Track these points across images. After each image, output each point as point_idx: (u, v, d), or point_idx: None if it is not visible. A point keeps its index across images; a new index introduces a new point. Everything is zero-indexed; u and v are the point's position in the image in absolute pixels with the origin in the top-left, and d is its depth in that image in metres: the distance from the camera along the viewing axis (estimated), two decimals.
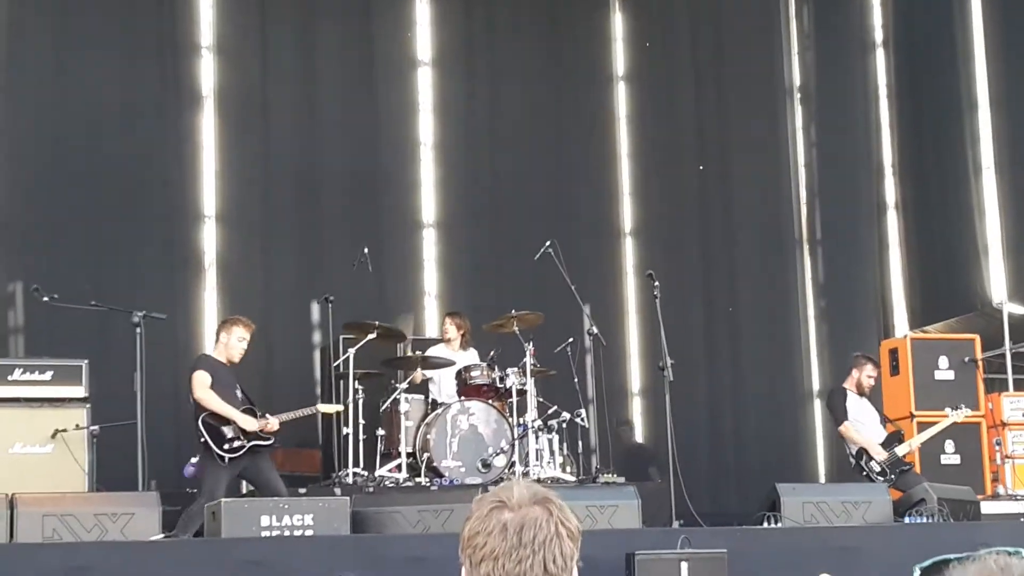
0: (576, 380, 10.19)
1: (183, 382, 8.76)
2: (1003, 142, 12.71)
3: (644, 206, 13.33)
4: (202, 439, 8.33)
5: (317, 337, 11.78)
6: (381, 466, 9.61)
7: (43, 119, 11.39)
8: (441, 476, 9.42)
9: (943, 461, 10.58)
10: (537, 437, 9.68)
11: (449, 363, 10.12)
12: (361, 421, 9.61)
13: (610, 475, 9.79)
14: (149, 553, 6.95)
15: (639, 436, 12.86)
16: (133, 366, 8.39)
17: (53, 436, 8.58)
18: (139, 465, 8.12)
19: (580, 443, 10.18)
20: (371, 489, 8.97)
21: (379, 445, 9.74)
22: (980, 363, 10.90)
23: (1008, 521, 9.22)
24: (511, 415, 9.69)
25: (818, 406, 13.30)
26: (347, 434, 9.53)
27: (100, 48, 11.64)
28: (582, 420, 9.98)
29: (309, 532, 7.21)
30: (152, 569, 6.78)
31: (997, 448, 10.60)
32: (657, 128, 13.49)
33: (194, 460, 8.68)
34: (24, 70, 11.41)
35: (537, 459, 9.61)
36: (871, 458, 9.66)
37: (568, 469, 9.89)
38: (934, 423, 10.17)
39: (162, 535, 7.36)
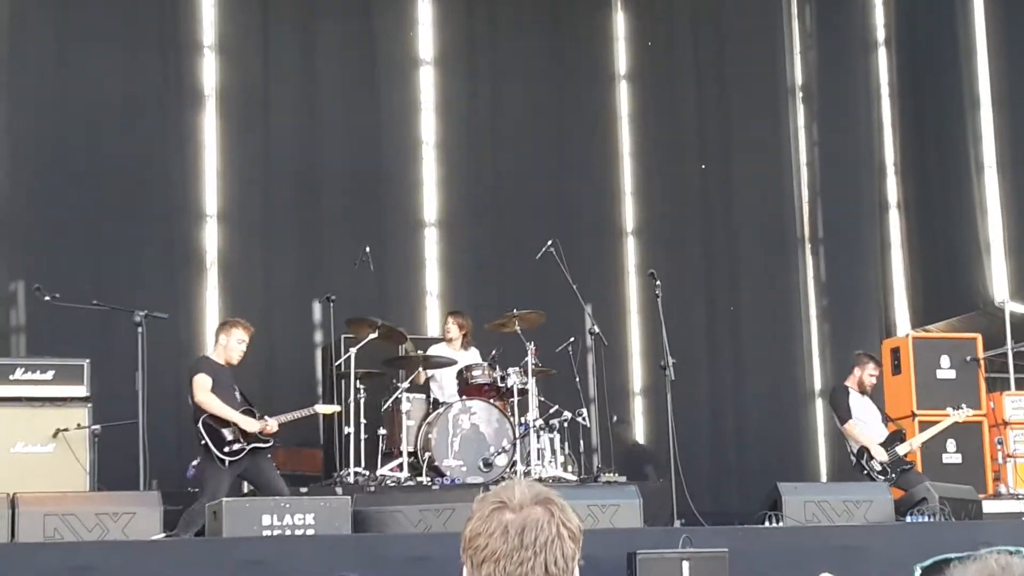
0: (577, 379, 10.19)
1: (184, 382, 8.76)
2: (1005, 141, 12.70)
3: (646, 205, 13.33)
4: (202, 441, 8.33)
5: (318, 336, 11.78)
6: (382, 465, 9.61)
7: (44, 116, 11.39)
8: (442, 475, 9.43)
9: (945, 460, 10.58)
10: (538, 436, 9.68)
11: (451, 362, 10.12)
12: (362, 420, 9.62)
13: (611, 474, 9.80)
14: (150, 553, 6.95)
15: (637, 434, 12.85)
16: (134, 365, 8.39)
17: (54, 435, 8.59)
18: (140, 465, 8.13)
19: (581, 442, 10.18)
20: (372, 488, 8.97)
21: (380, 444, 9.74)
22: (982, 362, 10.90)
23: (1010, 520, 9.22)
24: (512, 414, 9.69)
25: (820, 405, 13.29)
26: (348, 433, 9.54)
27: (102, 44, 11.63)
28: (583, 419, 9.99)
29: (310, 531, 7.20)
30: (153, 569, 6.78)
31: (999, 447, 10.59)
32: (659, 127, 13.48)
33: (195, 463, 8.68)
34: (26, 66, 11.40)
35: (538, 458, 9.61)
36: (872, 457, 9.65)
37: (569, 468, 9.89)
38: (936, 422, 10.17)
39: (163, 535, 7.36)
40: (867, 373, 10.07)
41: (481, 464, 9.51)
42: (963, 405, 10.20)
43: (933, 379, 10.79)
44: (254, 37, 12.32)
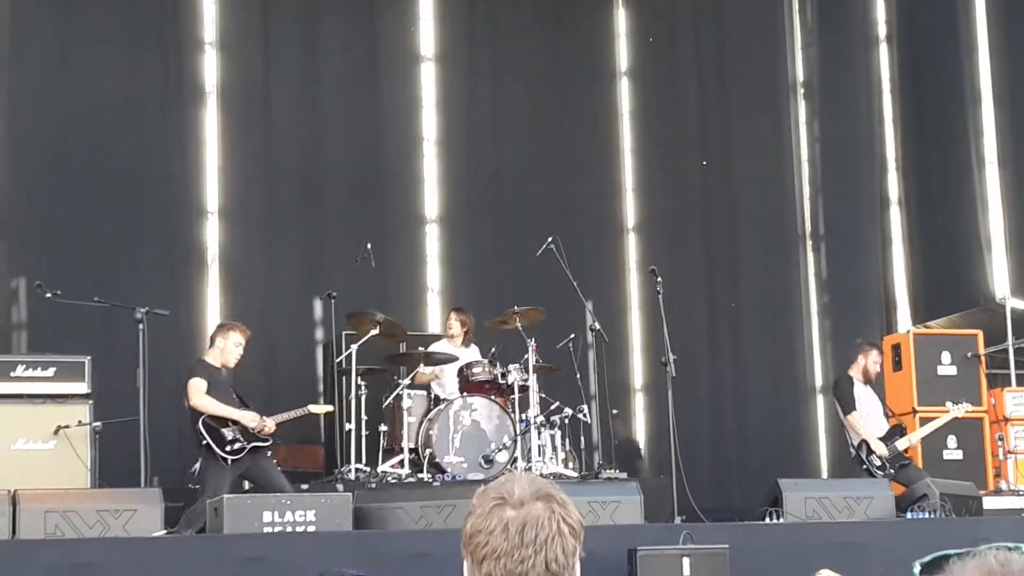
0: (578, 376, 10.19)
1: (185, 378, 8.76)
2: (1006, 137, 12.70)
3: (647, 202, 13.32)
4: (204, 441, 8.35)
5: (319, 333, 11.78)
6: (383, 462, 9.62)
7: (45, 114, 11.38)
8: (443, 472, 9.43)
9: (945, 456, 10.58)
10: (539, 433, 9.69)
11: (452, 359, 10.12)
12: (363, 417, 9.62)
13: (612, 471, 9.80)
14: (151, 549, 6.96)
15: (635, 430, 12.82)
16: (136, 362, 8.40)
17: (56, 432, 8.59)
18: (141, 461, 8.13)
19: (582, 439, 10.18)
20: (373, 485, 8.98)
21: (381, 441, 9.74)
22: (983, 358, 10.90)
23: (1010, 516, 9.23)
24: (513, 411, 9.70)
25: (821, 402, 13.29)
26: (349, 430, 9.55)
27: (103, 42, 11.63)
28: (584, 416, 10.00)
29: (311, 528, 7.21)
30: (154, 565, 6.79)
31: (1000, 443, 10.59)
32: (660, 124, 13.47)
33: (196, 467, 8.69)
34: (27, 64, 11.40)
35: (539, 455, 9.61)
36: (872, 451, 9.63)
37: (570, 465, 9.90)
38: (936, 419, 10.16)
39: (164, 531, 7.37)
40: (871, 361, 10.03)
41: (482, 461, 9.52)
42: (962, 400, 10.19)
43: (934, 375, 10.80)
44: (255, 34, 12.32)
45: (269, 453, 8.76)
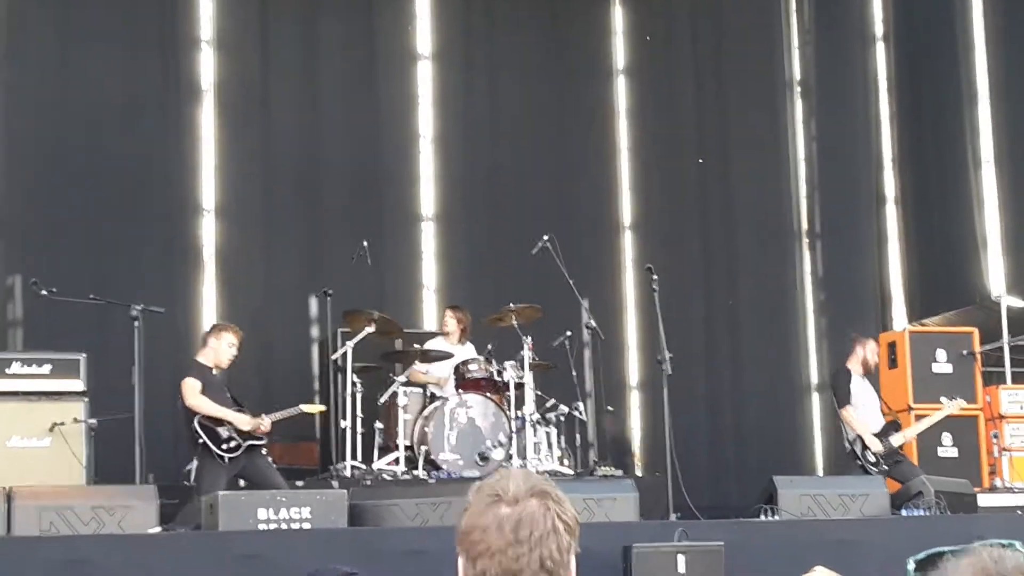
0: (574, 374, 10.18)
1: (181, 376, 8.76)
2: (1003, 135, 12.70)
3: (643, 200, 13.32)
4: (200, 441, 8.36)
5: (315, 331, 11.78)
6: (379, 459, 9.62)
7: (43, 113, 11.38)
8: (439, 469, 9.43)
9: (941, 454, 10.59)
10: (535, 430, 9.68)
11: (447, 356, 10.12)
12: (359, 414, 9.62)
13: (608, 468, 9.80)
14: (147, 546, 6.96)
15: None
16: (131, 359, 8.40)
17: (51, 429, 8.58)
18: (136, 458, 8.13)
19: (578, 436, 10.18)
20: (369, 482, 8.98)
21: (377, 438, 9.74)
22: (978, 356, 10.91)
23: (1005, 514, 9.24)
24: (509, 408, 9.70)
25: (817, 399, 13.30)
26: (345, 427, 9.55)
27: (102, 41, 11.63)
28: (580, 413, 10.00)
29: (307, 525, 7.21)
30: (150, 562, 6.79)
31: (995, 441, 10.60)
32: (657, 122, 13.47)
33: (191, 466, 8.69)
34: (26, 63, 11.40)
35: (535, 452, 9.61)
36: (867, 447, 9.60)
37: (566, 462, 9.90)
38: (930, 415, 10.16)
39: (159, 528, 7.37)
40: (869, 351, 10.00)
41: (478, 458, 9.52)
42: (956, 397, 10.17)
43: (929, 373, 10.80)
44: (252, 31, 12.31)
45: (264, 451, 8.76)
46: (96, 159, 11.38)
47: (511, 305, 10.04)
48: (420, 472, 9.38)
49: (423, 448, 9.51)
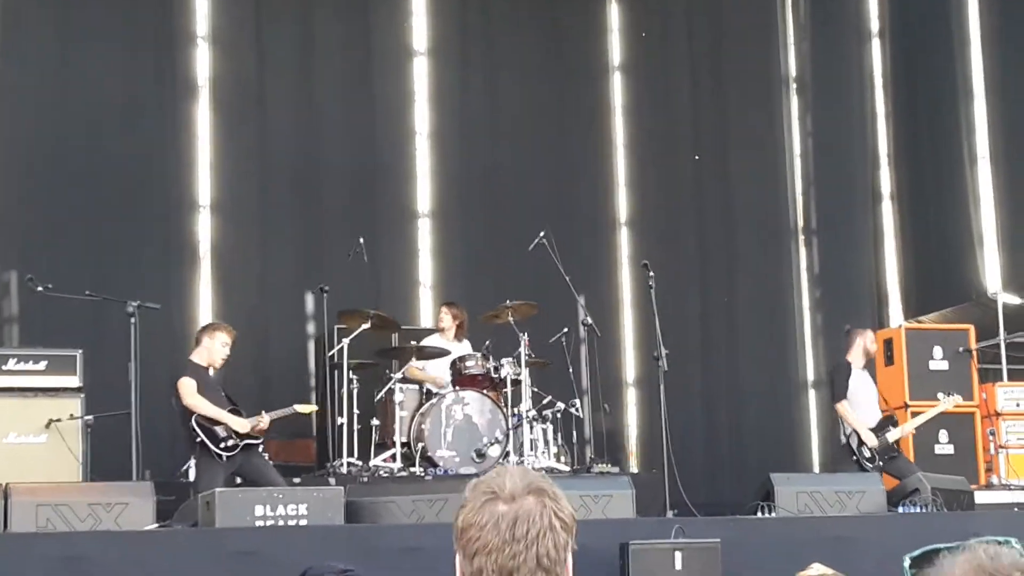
0: (571, 370, 10.19)
1: (177, 374, 8.75)
2: (998, 132, 12.71)
3: (640, 196, 13.32)
4: (198, 439, 8.36)
5: (311, 328, 11.78)
6: (375, 456, 9.62)
7: (41, 111, 11.38)
8: (435, 466, 9.43)
9: (937, 451, 10.60)
10: (532, 427, 9.69)
11: (444, 353, 10.12)
12: (355, 411, 9.62)
13: (604, 465, 9.81)
14: (143, 543, 6.96)
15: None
16: (127, 356, 8.39)
17: (47, 426, 8.58)
18: (133, 455, 8.13)
19: (574, 433, 10.19)
20: (365, 479, 8.99)
21: (373, 435, 9.75)
22: (974, 353, 10.91)
23: (1002, 511, 9.24)
24: (506, 405, 9.70)
25: (813, 396, 13.31)
26: (341, 424, 9.55)
27: (100, 39, 11.62)
28: (576, 410, 10.00)
29: (303, 522, 7.21)
30: (146, 559, 6.79)
31: (991, 438, 10.61)
32: (653, 118, 13.47)
33: (189, 465, 8.69)
34: (23, 61, 11.38)
35: (531, 449, 9.62)
36: (863, 442, 9.57)
37: (562, 459, 9.90)
38: (926, 411, 10.15)
39: (156, 525, 7.36)
40: (869, 340, 9.97)
41: (474, 455, 9.52)
42: (952, 392, 10.14)
43: (926, 370, 10.80)
44: (247, 27, 12.30)
45: (261, 448, 8.77)
46: (92, 156, 11.38)
47: (508, 302, 10.04)
48: (417, 469, 9.38)
49: (420, 445, 9.51)
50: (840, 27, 14.06)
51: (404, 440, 9.64)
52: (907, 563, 4.34)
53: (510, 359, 9.84)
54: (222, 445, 8.37)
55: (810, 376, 13.40)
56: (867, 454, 9.53)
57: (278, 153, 12.27)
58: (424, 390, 10.01)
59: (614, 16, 13.54)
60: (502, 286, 11.14)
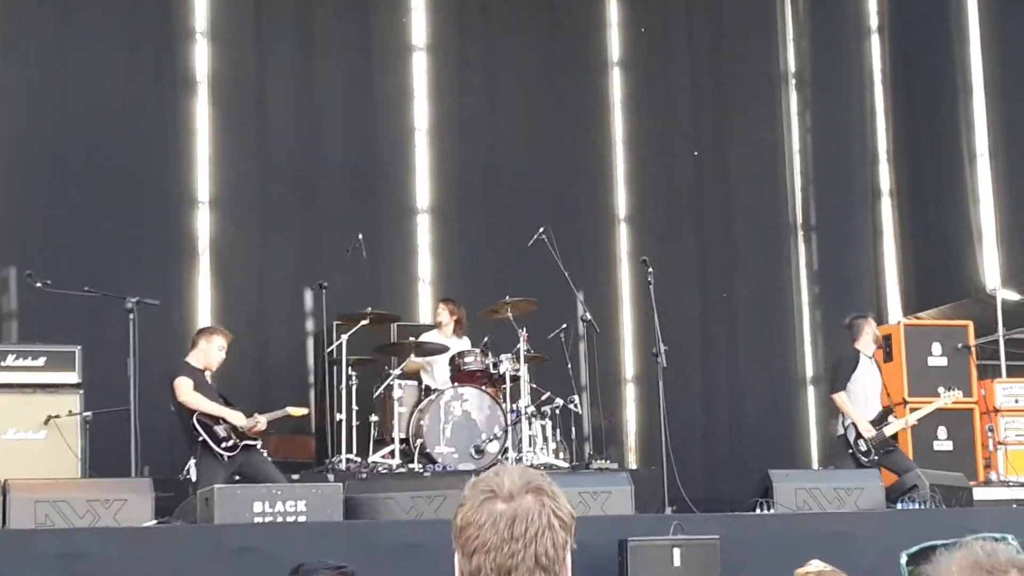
0: (569, 366, 10.19)
1: (173, 373, 8.75)
2: (998, 129, 12.71)
3: (639, 192, 13.32)
4: (200, 439, 8.36)
5: (310, 324, 11.78)
6: (374, 452, 9.62)
7: (40, 108, 11.37)
8: (434, 462, 9.44)
9: (936, 447, 10.60)
10: (530, 423, 9.69)
11: (443, 349, 10.12)
12: (354, 407, 9.62)
13: (603, 461, 9.81)
14: (142, 539, 6.96)
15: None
16: (126, 352, 8.39)
17: (46, 422, 8.58)
18: (132, 451, 8.13)
19: (573, 429, 10.19)
20: (364, 475, 8.99)
21: (372, 431, 9.75)
22: (973, 349, 10.91)
23: (1000, 507, 9.25)
24: (504, 401, 9.70)
25: (811, 392, 13.31)
26: (340, 420, 9.55)
27: (99, 37, 11.61)
28: (575, 406, 10.00)
29: (302, 518, 7.21)
30: (145, 555, 6.79)
31: (990, 434, 10.61)
32: (652, 115, 13.46)
33: (190, 464, 8.69)
34: (23, 59, 11.38)
35: (530, 445, 9.62)
36: (860, 435, 9.50)
37: (561, 455, 9.90)
38: (924, 407, 10.14)
39: (154, 521, 7.36)
40: (875, 329, 9.90)
41: (473, 451, 9.52)
42: (953, 387, 10.09)
43: (924, 366, 10.81)
44: (246, 24, 12.29)
45: (259, 444, 8.76)
46: (92, 153, 11.37)
47: (506, 298, 10.05)
48: (415, 465, 9.38)
49: (418, 441, 9.52)
50: (840, 24, 14.05)
51: (403, 436, 9.64)
52: (904, 560, 4.34)
53: (509, 355, 9.84)
54: (223, 445, 8.38)
55: (809, 373, 13.40)
56: (863, 447, 9.45)
57: (277, 150, 12.27)
58: (423, 386, 10.01)
59: (613, 12, 13.54)
60: (501, 282, 11.14)
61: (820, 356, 13.24)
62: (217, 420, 8.45)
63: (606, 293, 12.82)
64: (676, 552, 7.12)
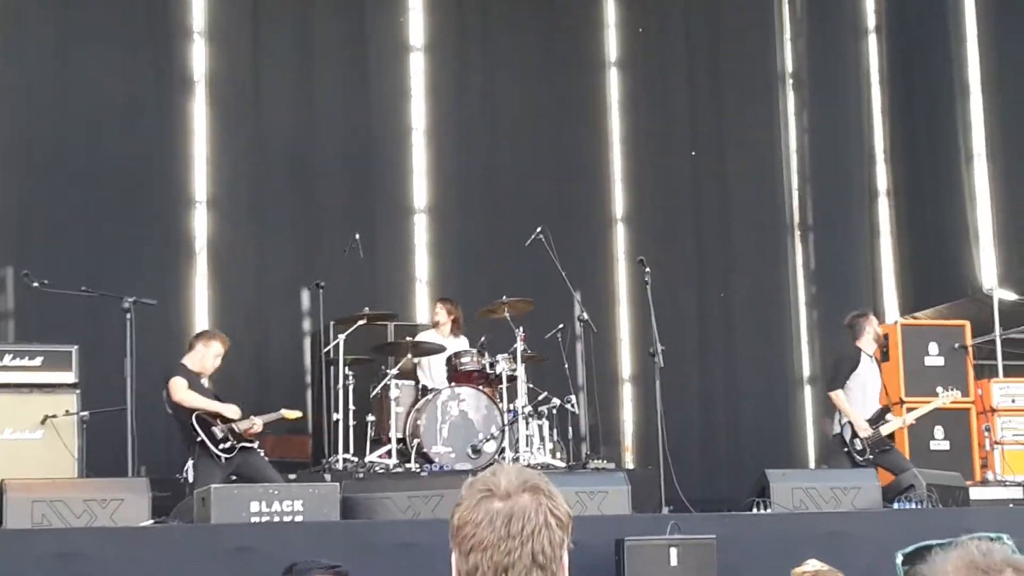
0: (566, 366, 10.19)
1: (168, 372, 8.74)
2: (995, 129, 12.71)
3: (636, 192, 13.32)
4: (198, 439, 8.36)
5: (307, 324, 11.78)
6: (371, 452, 9.62)
7: (39, 108, 11.38)
8: (431, 462, 9.44)
9: (933, 447, 10.60)
10: (527, 423, 9.70)
11: (439, 349, 10.12)
12: (351, 407, 9.62)
13: (600, 461, 9.81)
14: (139, 539, 6.96)
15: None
16: (123, 352, 8.39)
17: (43, 422, 8.57)
18: (129, 451, 8.13)
19: (570, 429, 10.19)
20: (361, 475, 8.99)
21: (369, 431, 9.75)
22: (970, 349, 10.91)
23: (996, 507, 9.25)
24: (501, 401, 9.70)
25: (809, 392, 13.32)
26: (337, 420, 9.54)
27: (98, 37, 11.61)
28: (572, 406, 10.00)
29: (299, 518, 7.20)
30: (142, 555, 6.78)
31: (986, 434, 10.61)
32: (650, 114, 13.47)
33: (188, 465, 8.69)
34: (23, 59, 11.38)
35: (527, 445, 9.62)
36: (856, 434, 9.47)
37: (558, 455, 9.91)
38: (922, 407, 10.14)
39: (151, 521, 7.36)
40: (876, 326, 9.88)
41: (470, 451, 9.52)
42: (952, 387, 10.08)
43: (921, 366, 10.80)
44: (244, 23, 12.29)
45: (256, 444, 8.76)
46: (90, 153, 11.38)
47: (504, 298, 10.05)
48: (412, 465, 9.38)
49: (415, 441, 9.52)
50: (837, 24, 14.06)
51: (400, 436, 9.64)
52: (899, 559, 4.35)
53: (506, 355, 9.84)
54: (221, 447, 8.37)
55: (806, 372, 13.41)
56: (859, 446, 9.41)
57: (275, 150, 12.27)
58: (420, 386, 10.01)
59: (611, 12, 13.54)
60: (498, 282, 11.15)
61: (817, 356, 13.25)
62: (215, 421, 8.44)
63: (603, 293, 12.82)
64: (673, 552, 7.12)
